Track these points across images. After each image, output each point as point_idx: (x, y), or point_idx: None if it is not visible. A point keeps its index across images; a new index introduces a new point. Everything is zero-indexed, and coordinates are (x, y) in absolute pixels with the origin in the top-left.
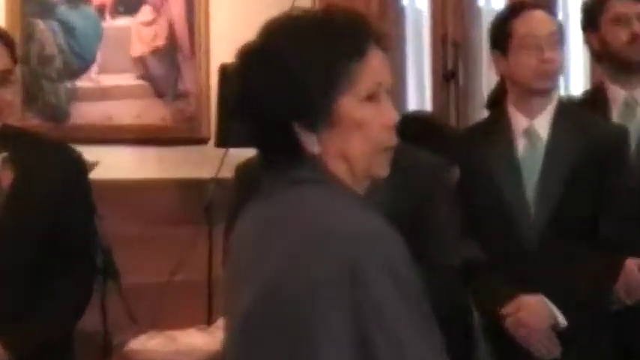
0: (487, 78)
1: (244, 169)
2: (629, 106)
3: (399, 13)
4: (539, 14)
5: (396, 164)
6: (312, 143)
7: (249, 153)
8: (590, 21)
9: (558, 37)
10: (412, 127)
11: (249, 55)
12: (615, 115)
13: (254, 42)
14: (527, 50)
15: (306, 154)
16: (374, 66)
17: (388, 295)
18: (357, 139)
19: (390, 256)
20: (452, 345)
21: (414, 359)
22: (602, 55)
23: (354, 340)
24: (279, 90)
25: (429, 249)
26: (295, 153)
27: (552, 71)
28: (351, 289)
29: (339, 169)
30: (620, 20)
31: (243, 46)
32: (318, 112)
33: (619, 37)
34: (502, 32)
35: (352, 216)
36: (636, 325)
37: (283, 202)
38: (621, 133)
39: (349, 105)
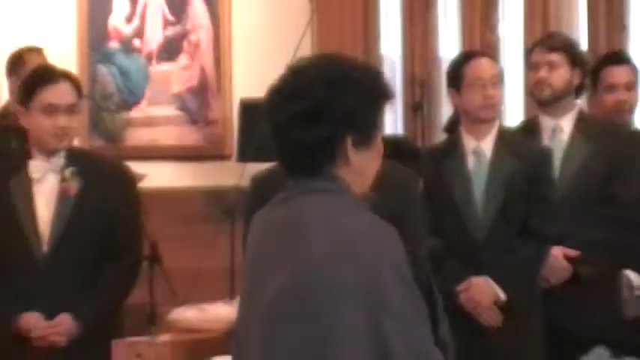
0: (445, 110)
1: (258, 179)
2: (555, 132)
3: (378, 59)
4: (484, 61)
5: (381, 177)
6: (351, 155)
7: (261, 167)
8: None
9: (499, 78)
10: (389, 147)
11: (338, 80)
12: (545, 139)
13: (340, 72)
14: (474, 88)
15: (335, 166)
16: None
17: (395, 287)
18: (375, 161)
19: (396, 258)
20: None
21: (417, 339)
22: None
23: (369, 325)
24: (358, 100)
25: (409, 242)
26: (332, 161)
27: (494, 105)
28: (368, 285)
29: (354, 181)
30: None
31: (328, 74)
32: (370, 133)
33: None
34: (456, 74)
35: (369, 224)
36: (562, 304)
37: (305, 207)
38: (546, 153)
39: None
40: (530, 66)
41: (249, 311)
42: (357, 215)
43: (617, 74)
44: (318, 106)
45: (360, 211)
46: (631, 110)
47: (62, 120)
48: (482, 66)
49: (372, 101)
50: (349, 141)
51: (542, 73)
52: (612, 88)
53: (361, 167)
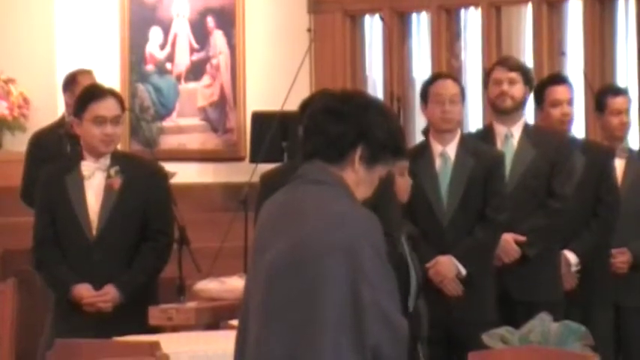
0: (417, 120)
1: (266, 176)
2: (507, 138)
3: (363, 80)
4: (448, 81)
5: None
6: (356, 164)
7: (269, 166)
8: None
9: (459, 96)
10: None
11: (377, 107)
12: (499, 144)
13: (368, 101)
14: (436, 104)
15: (341, 166)
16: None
17: (371, 261)
18: (369, 185)
19: (374, 235)
20: (399, 282)
21: (384, 302)
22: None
23: (348, 287)
24: (383, 126)
25: (386, 226)
26: (340, 159)
27: (451, 119)
28: (350, 255)
29: (354, 187)
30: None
31: (363, 101)
32: (380, 153)
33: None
34: (424, 92)
35: (354, 208)
36: (513, 277)
37: (303, 194)
38: (499, 155)
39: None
40: (493, 82)
41: (256, 272)
42: (345, 202)
43: (560, 92)
44: (350, 110)
45: (347, 200)
46: (571, 121)
47: (108, 129)
48: (444, 86)
49: (389, 138)
50: (359, 151)
51: (504, 87)
52: (557, 103)
53: (359, 180)
